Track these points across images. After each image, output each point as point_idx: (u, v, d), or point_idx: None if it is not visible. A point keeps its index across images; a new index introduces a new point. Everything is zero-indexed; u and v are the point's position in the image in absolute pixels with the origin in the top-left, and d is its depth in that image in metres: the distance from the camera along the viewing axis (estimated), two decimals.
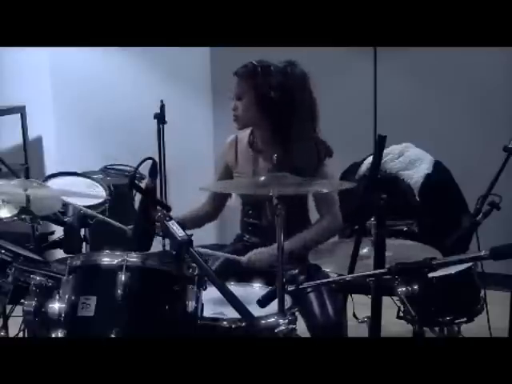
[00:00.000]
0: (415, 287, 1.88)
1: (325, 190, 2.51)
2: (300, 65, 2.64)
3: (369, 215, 1.82)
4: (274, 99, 2.55)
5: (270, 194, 2.02)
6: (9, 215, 2.56)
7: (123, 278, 1.88)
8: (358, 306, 2.68)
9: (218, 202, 2.82)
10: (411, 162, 3.15)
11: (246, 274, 2.46)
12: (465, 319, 2.46)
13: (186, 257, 1.86)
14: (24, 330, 2.29)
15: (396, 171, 3.14)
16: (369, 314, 1.87)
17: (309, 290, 2.45)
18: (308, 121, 2.63)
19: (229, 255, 2.59)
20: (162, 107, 3.61)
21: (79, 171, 3.34)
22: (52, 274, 2.18)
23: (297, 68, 2.61)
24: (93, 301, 1.88)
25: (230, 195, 2.83)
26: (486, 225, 2.21)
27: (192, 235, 1.87)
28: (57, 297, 1.96)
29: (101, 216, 2.66)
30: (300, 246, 2.50)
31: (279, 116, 2.57)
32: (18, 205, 2.52)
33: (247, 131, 2.73)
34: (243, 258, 2.51)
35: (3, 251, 2.23)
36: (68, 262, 2.00)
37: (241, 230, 2.81)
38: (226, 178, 2.77)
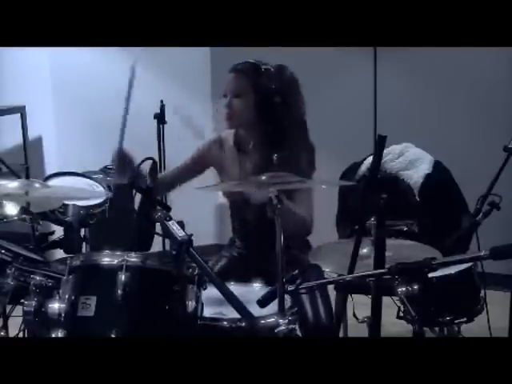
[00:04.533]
0: (415, 287, 1.88)
1: (323, 186, 2.52)
2: (290, 69, 2.60)
3: (369, 215, 1.82)
4: (274, 101, 2.51)
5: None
6: (10, 214, 2.56)
7: (123, 278, 1.88)
8: (358, 305, 2.68)
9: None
10: (411, 162, 3.15)
11: (246, 274, 2.46)
12: (465, 319, 2.46)
13: (185, 257, 1.86)
14: (24, 330, 2.29)
15: (396, 171, 3.13)
16: (369, 313, 1.87)
17: (306, 290, 2.44)
18: (299, 126, 2.60)
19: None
20: (162, 107, 3.62)
21: (79, 171, 3.34)
22: (52, 274, 2.18)
23: (289, 72, 2.58)
24: (93, 301, 1.88)
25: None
26: (486, 225, 2.21)
27: (192, 235, 1.87)
28: (57, 297, 1.96)
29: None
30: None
31: (276, 119, 2.54)
32: (18, 205, 2.52)
33: (230, 131, 2.68)
34: None
35: (3, 251, 2.23)
36: (68, 262, 2.00)
37: (232, 233, 2.81)
38: (195, 171, 2.73)
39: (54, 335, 1.90)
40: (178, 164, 2.77)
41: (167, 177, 2.77)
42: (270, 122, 2.54)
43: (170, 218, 1.90)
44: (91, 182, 3.16)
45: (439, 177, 3.13)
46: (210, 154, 2.72)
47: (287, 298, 2.07)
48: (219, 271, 2.61)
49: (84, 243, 2.88)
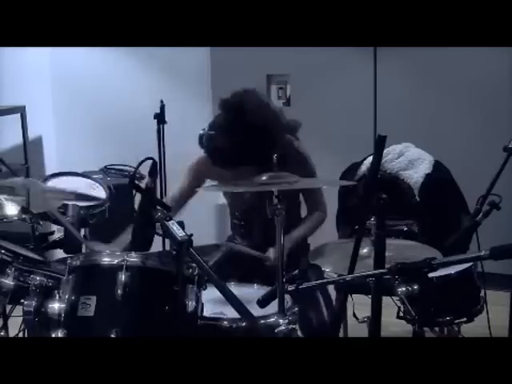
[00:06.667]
0: (415, 287, 1.88)
1: (324, 187, 2.55)
2: (257, 93, 2.57)
3: (369, 215, 1.82)
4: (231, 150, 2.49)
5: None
6: (10, 214, 2.56)
7: (123, 278, 1.89)
8: (358, 305, 2.68)
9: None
10: (411, 162, 3.15)
11: (246, 273, 2.46)
12: (465, 319, 2.46)
13: (185, 257, 1.86)
14: (24, 330, 2.29)
15: (396, 171, 3.13)
16: (369, 314, 1.87)
17: (307, 290, 2.43)
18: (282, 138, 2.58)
19: (256, 252, 2.52)
20: (162, 107, 3.61)
21: (79, 171, 3.34)
22: (52, 274, 2.18)
23: (252, 98, 2.54)
24: (93, 301, 1.88)
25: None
26: (486, 225, 2.21)
27: (192, 235, 1.87)
28: (57, 297, 1.96)
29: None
30: (295, 242, 2.53)
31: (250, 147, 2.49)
32: (18, 204, 2.52)
33: None
34: (269, 256, 2.47)
35: (3, 251, 2.23)
36: (68, 262, 2.00)
37: (231, 231, 2.81)
38: (194, 186, 2.71)
39: (53, 335, 1.90)
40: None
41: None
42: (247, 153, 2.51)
43: (170, 218, 1.90)
44: (91, 181, 3.16)
45: (439, 177, 3.13)
46: (205, 168, 2.71)
47: (287, 297, 2.07)
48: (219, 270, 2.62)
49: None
